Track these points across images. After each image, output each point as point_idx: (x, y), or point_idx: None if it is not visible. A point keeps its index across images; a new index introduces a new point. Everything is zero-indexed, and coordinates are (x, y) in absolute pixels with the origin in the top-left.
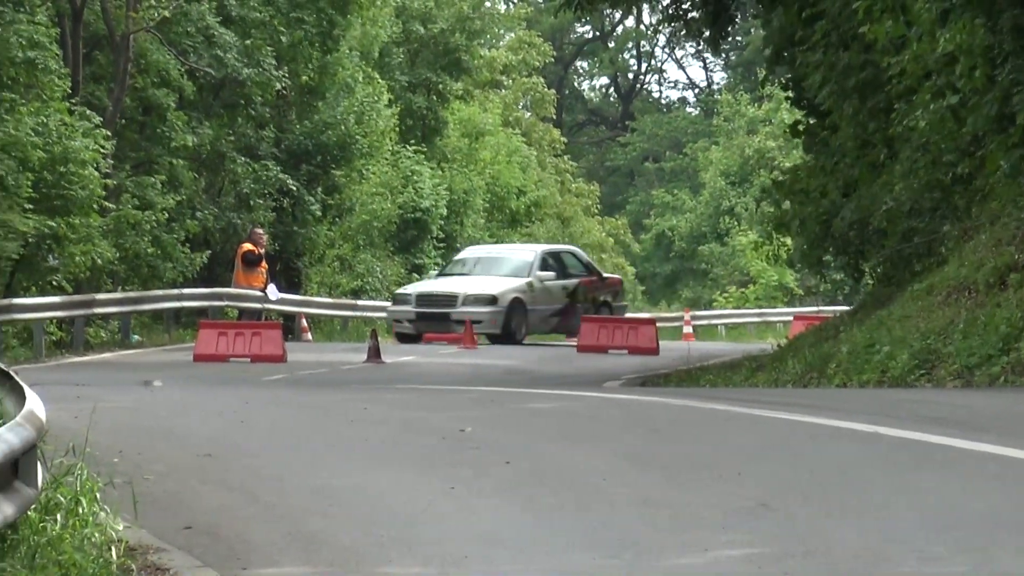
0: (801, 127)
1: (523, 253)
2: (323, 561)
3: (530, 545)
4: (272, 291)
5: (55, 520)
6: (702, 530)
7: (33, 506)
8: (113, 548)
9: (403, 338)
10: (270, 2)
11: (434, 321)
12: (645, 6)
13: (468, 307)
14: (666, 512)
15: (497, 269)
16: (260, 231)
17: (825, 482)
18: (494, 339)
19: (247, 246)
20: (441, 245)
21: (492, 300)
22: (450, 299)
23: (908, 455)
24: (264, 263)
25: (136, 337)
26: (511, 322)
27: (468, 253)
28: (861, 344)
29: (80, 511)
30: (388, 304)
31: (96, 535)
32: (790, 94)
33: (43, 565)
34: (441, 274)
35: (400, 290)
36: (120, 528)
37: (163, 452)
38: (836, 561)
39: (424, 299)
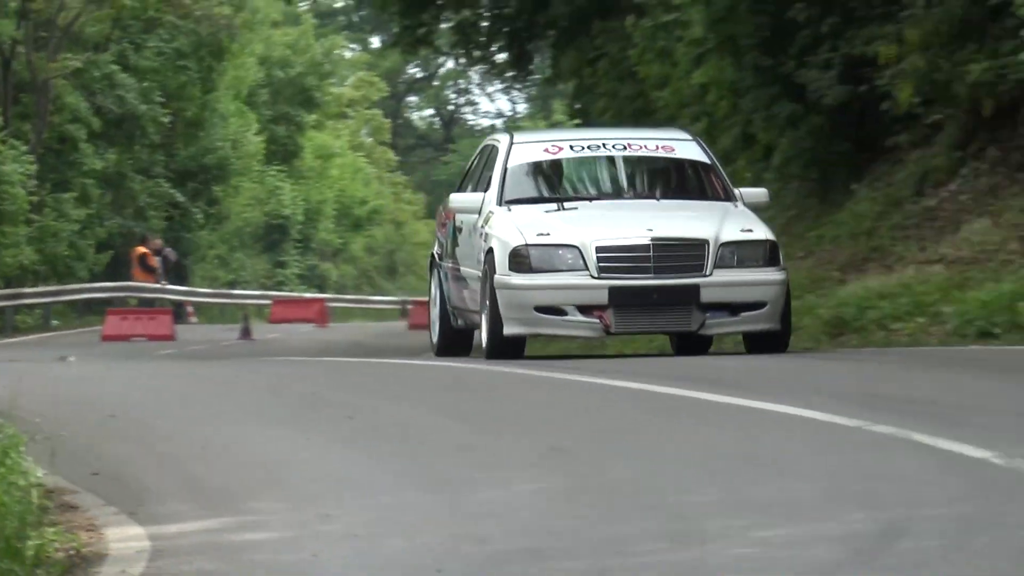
0: None
1: (678, 139)
2: (204, 500)
3: (370, 485)
4: (171, 253)
5: None
6: (506, 470)
7: None
8: (34, 491)
9: (503, 350)
10: (161, 52)
11: (659, 308)
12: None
13: (725, 272)
14: (478, 456)
15: (661, 183)
16: (151, 236)
17: (606, 430)
18: (760, 343)
19: (141, 249)
20: (299, 245)
21: (771, 253)
22: (689, 248)
23: (671, 406)
24: (155, 262)
25: (55, 322)
26: (789, 306)
27: (548, 135)
28: None
29: (7, 462)
30: (257, 291)
31: (20, 480)
32: (578, 124)
33: None
34: (519, 200)
35: (522, 239)
36: (40, 475)
37: (76, 414)
38: (612, 492)
39: (617, 256)
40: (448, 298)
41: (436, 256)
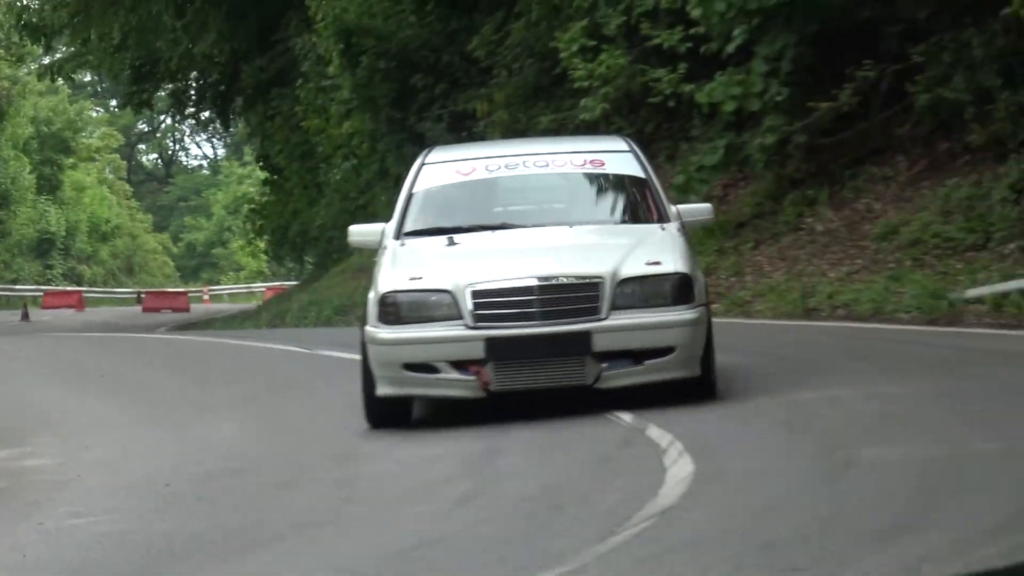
0: (269, 180)
1: (612, 151)
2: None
3: (117, 425)
4: None
5: None
6: (215, 413)
7: None
8: None
9: (381, 412)
10: None
11: (547, 360)
12: (174, 111)
13: (624, 314)
14: (194, 403)
15: (582, 205)
16: None
17: (287, 383)
18: (680, 389)
19: None
20: (62, 252)
21: (683, 289)
22: (580, 289)
23: (336, 367)
24: None
25: None
26: (710, 345)
27: (460, 156)
28: (306, 302)
29: None
30: (33, 286)
31: None
32: (262, 163)
33: None
34: (408, 233)
35: (392, 285)
36: None
37: None
38: (292, 427)
39: (496, 301)
40: None
41: None
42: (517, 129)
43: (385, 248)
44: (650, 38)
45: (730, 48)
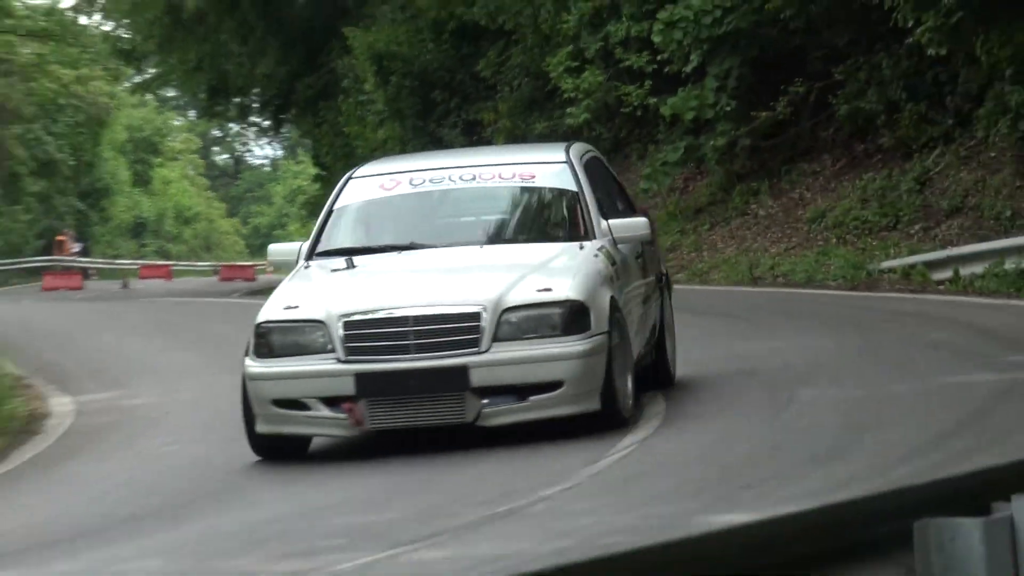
0: (319, 175)
1: (547, 163)
2: (104, 381)
3: (199, 372)
4: (77, 247)
5: None
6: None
7: None
8: (6, 378)
9: (264, 448)
10: (68, 124)
11: (423, 397)
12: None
13: (507, 347)
14: (218, 348)
15: (500, 222)
16: (66, 230)
17: None
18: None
19: (60, 236)
20: (153, 233)
21: (574, 318)
22: (458, 320)
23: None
24: (68, 245)
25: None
26: (613, 376)
27: (384, 171)
28: None
29: None
30: (130, 261)
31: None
32: (314, 162)
33: None
34: (328, 253)
35: (266, 314)
36: (9, 368)
37: (25, 332)
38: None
39: (368, 333)
40: None
41: None
42: (517, 134)
43: (293, 270)
44: (622, 60)
45: (687, 69)
